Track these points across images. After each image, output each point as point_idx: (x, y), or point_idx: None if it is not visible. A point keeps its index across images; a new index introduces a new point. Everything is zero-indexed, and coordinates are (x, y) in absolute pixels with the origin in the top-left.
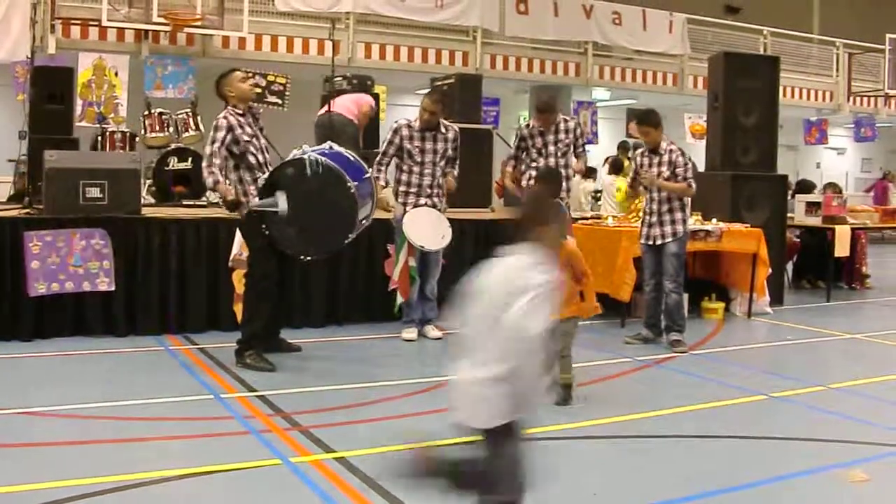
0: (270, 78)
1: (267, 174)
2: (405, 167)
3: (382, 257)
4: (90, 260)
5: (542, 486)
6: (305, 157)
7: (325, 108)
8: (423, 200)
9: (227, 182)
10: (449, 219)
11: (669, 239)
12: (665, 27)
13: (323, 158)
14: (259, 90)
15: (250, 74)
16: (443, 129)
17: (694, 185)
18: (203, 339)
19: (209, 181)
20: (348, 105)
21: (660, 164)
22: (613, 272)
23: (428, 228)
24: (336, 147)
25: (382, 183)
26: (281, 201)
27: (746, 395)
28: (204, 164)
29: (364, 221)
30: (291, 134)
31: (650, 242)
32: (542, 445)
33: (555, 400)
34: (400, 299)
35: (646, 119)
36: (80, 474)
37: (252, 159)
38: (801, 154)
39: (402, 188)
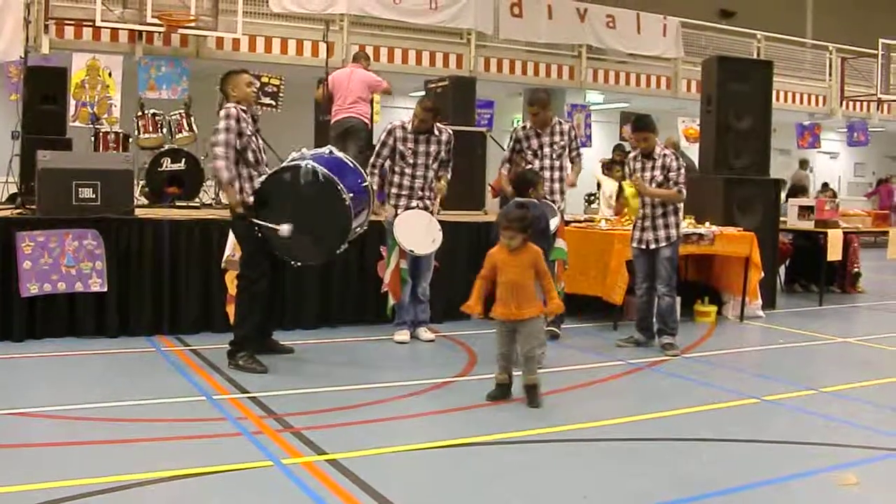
0: (264, 79)
1: (264, 178)
2: (397, 169)
3: (375, 259)
4: (83, 260)
5: (532, 488)
6: (302, 164)
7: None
8: (414, 202)
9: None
10: (441, 221)
11: (663, 243)
12: (659, 31)
13: (319, 167)
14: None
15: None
16: (436, 132)
17: (685, 192)
18: (195, 340)
19: (224, 175)
20: (365, 108)
21: (653, 168)
22: (606, 275)
23: (418, 232)
24: (336, 152)
25: (375, 186)
26: (284, 228)
27: (738, 399)
28: (219, 150)
29: (358, 229)
30: (285, 135)
31: (643, 246)
32: (532, 448)
33: (527, 402)
34: (392, 301)
35: (645, 124)
36: (71, 475)
37: (251, 157)
38: (795, 158)
39: (393, 190)
